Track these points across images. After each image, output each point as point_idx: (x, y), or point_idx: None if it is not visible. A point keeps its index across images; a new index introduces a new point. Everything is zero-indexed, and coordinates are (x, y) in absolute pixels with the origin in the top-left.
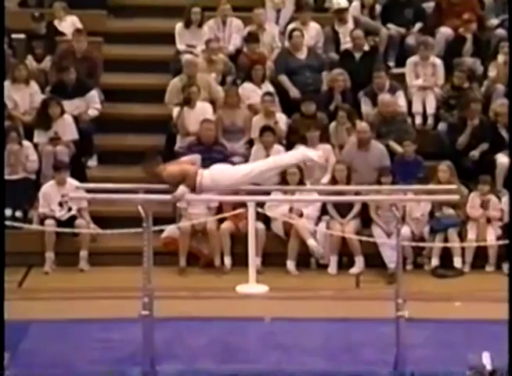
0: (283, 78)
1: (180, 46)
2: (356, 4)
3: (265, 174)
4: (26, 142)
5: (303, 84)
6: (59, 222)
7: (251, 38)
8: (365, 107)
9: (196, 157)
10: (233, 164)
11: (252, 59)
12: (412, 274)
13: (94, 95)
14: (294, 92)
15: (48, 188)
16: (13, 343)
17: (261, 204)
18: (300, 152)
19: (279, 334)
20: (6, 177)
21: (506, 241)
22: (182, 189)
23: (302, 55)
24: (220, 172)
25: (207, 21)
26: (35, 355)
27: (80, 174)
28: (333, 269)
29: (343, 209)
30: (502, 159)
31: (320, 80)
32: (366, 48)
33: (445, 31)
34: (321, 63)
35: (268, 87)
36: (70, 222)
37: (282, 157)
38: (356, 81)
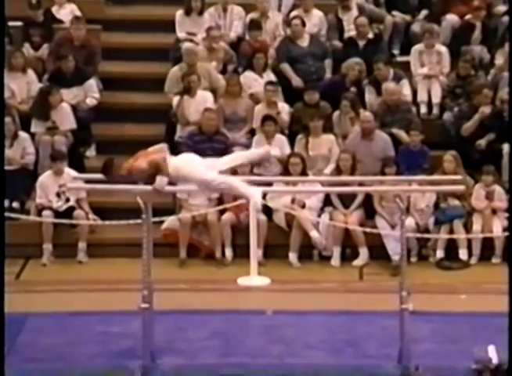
0: (285, 67)
1: (180, 34)
2: None
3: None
4: (23, 134)
5: (306, 72)
6: (57, 213)
7: (254, 26)
8: (369, 96)
9: (163, 146)
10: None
11: (254, 47)
12: (417, 266)
13: (92, 83)
14: (297, 81)
15: (45, 178)
16: (11, 336)
17: (262, 195)
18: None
19: (281, 328)
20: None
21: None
22: (160, 179)
23: (304, 43)
24: (183, 161)
25: (208, 8)
26: (33, 348)
27: (78, 164)
28: (336, 261)
29: (347, 199)
30: (509, 149)
31: (323, 68)
32: (371, 35)
33: (451, 18)
34: (324, 51)
35: (269, 76)
36: (68, 213)
37: (243, 153)
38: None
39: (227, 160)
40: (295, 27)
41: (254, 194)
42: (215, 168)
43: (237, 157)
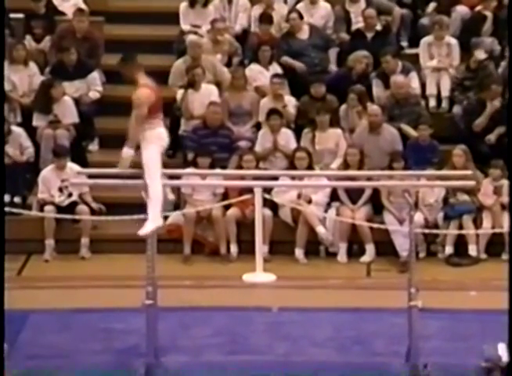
0: (286, 59)
1: (184, 26)
2: None
3: None
4: (16, 129)
5: (309, 64)
6: (59, 208)
7: (265, 19)
8: (377, 89)
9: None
10: (240, 148)
11: (262, 39)
12: (426, 262)
13: (95, 76)
14: (300, 67)
15: (47, 173)
16: (12, 334)
17: (268, 190)
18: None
19: (287, 325)
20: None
21: None
22: (125, 151)
23: (304, 35)
24: (154, 135)
25: (213, 0)
26: (35, 346)
27: (80, 158)
28: (343, 257)
29: (354, 194)
30: None
31: (327, 59)
32: (379, 27)
33: (461, 10)
34: (326, 41)
35: (275, 68)
36: (70, 208)
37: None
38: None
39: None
40: (293, 21)
41: (152, 222)
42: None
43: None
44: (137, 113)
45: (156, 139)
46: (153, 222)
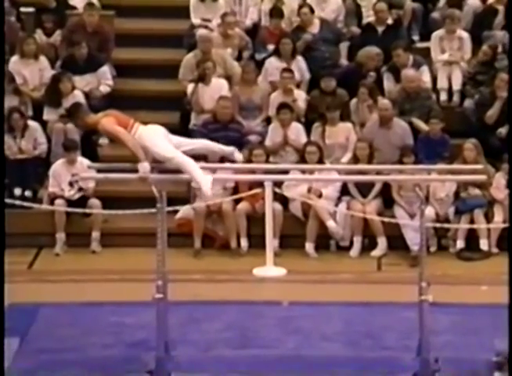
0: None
1: (195, 20)
2: None
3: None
4: (33, 124)
5: (319, 59)
6: (70, 202)
7: (276, 13)
8: (388, 83)
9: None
10: (250, 142)
11: (274, 34)
12: (437, 257)
13: (105, 70)
14: (308, 37)
15: (58, 167)
16: (23, 327)
17: (278, 184)
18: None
19: (297, 319)
20: (16, 156)
21: None
22: (141, 166)
23: (315, 29)
24: (149, 132)
25: None
26: (45, 339)
27: (91, 152)
28: (355, 251)
29: (364, 188)
30: None
31: (338, 53)
32: (390, 21)
33: (472, 3)
34: (337, 35)
35: (299, 63)
36: (81, 202)
37: (209, 143)
38: None
39: (191, 142)
40: (303, 15)
41: (204, 184)
42: (179, 145)
43: (201, 143)
44: (119, 137)
45: (148, 135)
46: (204, 183)
